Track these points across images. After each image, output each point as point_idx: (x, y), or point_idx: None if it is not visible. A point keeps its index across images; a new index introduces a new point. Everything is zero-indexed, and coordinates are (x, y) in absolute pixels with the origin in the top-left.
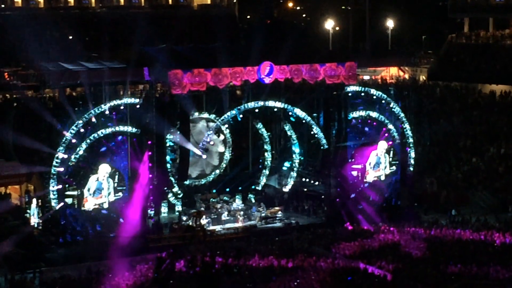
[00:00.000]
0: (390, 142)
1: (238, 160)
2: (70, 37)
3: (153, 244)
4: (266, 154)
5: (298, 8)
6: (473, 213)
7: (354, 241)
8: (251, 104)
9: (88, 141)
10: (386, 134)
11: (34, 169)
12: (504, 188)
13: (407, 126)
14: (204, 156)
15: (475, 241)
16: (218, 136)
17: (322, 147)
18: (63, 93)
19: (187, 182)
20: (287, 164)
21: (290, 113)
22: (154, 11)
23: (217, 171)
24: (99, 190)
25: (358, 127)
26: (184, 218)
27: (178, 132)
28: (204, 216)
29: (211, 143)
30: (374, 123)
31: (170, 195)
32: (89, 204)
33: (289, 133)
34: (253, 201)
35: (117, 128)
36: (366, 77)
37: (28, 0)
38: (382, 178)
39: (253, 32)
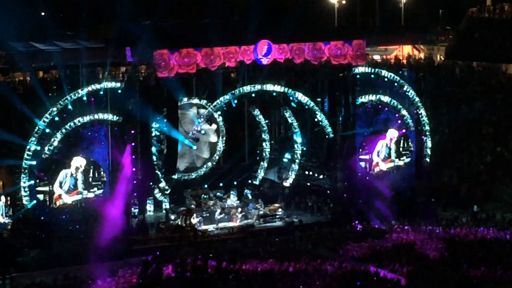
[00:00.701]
0: (404, 130)
1: (233, 152)
2: (43, 14)
3: (138, 246)
4: (264, 144)
5: None
6: (497, 209)
7: (364, 242)
8: (247, 88)
9: (64, 130)
10: (399, 121)
11: (2, 162)
12: None
13: (422, 111)
14: (195, 147)
15: (499, 241)
16: (210, 124)
17: (327, 136)
18: (35, 76)
19: (175, 177)
20: (287, 155)
21: (291, 98)
22: None
23: (209, 164)
24: (73, 186)
25: (368, 113)
26: (173, 216)
27: (165, 120)
28: (194, 215)
29: (202, 132)
30: (386, 109)
31: (156, 191)
32: (63, 201)
33: (290, 120)
34: (250, 197)
35: (96, 116)
36: (376, 57)
37: None
38: (394, 170)
39: (249, 6)
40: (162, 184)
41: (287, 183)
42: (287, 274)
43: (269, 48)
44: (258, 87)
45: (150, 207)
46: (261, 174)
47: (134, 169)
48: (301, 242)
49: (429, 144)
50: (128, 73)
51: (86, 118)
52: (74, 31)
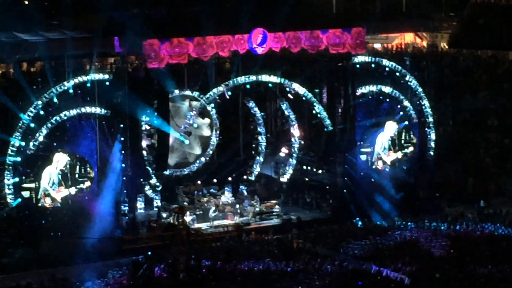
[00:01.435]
0: (406, 122)
1: (227, 146)
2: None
3: (128, 246)
4: (259, 138)
5: None
6: (505, 205)
7: (365, 240)
8: (241, 79)
9: (49, 125)
10: (401, 113)
11: None
12: None
13: (426, 102)
14: (187, 142)
15: (507, 238)
16: (203, 118)
17: (325, 129)
18: (18, 68)
19: (167, 173)
20: (284, 149)
21: (287, 89)
22: None
23: (202, 159)
24: (58, 182)
25: (368, 104)
26: (164, 214)
27: (155, 113)
28: (187, 212)
29: (195, 126)
30: (387, 100)
31: (147, 187)
32: (50, 199)
33: (286, 112)
34: (245, 193)
35: (83, 110)
36: (377, 45)
37: None
38: (396, 163)
39: None
40: (153, 181)
41: (284, 179)
42: (285, 274)
43: (264, 37)
44: (253, 78)
45: (140, 204)
46: (256, 169)
47: (123, 165)
48: (300, 241)
49: (432, 136)
50: (116, 64)
51: (73, 112)
52: (59, 21)
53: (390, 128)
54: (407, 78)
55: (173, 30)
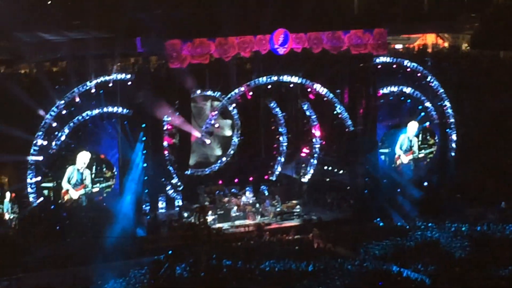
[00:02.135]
0: (428, 123)
1: (248, 146)
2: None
3: (149, 245)
4: (281, 138)
5: None
6: None
7: (386, 240)
8: (262, 80)
9: (72, 124)
10: (423, 113)
11: (8, 158)
12: None
13: (447, 103)
14: (208, 142)
15: None
16: (224, 118)
17: (347, 129)
18: (41, 68)
19: (188, 172)
20: (305, 149)
21: (309, 90)
22: None
23: (224, 159)
24: (80, 180)
25: (390, 105)
26: (186, 214)
27: (177, 113)
28: (209, 212)
29: (216, 126)
30: (409, 101)
31: (168, 187)
32: (70, 196)
33: (307, 113)
34: (267, 193)
35: (105, 109)
36: (399, 46)
37: None
38: (417, 164)
39: None
40: (175, 180)
41: (305, 179)
42: (305, 274)
43: (285, 37)
44: (274, 78)
45: (162, 204)
46: (278, 169)
47: (145, 165)
48: (320, 241)
49: (454, 137)
50: (138, 64)
51: (95, 112)
52: (82, 21)
53: (412, 128)
54: (428, 79)
55: (195, 31)
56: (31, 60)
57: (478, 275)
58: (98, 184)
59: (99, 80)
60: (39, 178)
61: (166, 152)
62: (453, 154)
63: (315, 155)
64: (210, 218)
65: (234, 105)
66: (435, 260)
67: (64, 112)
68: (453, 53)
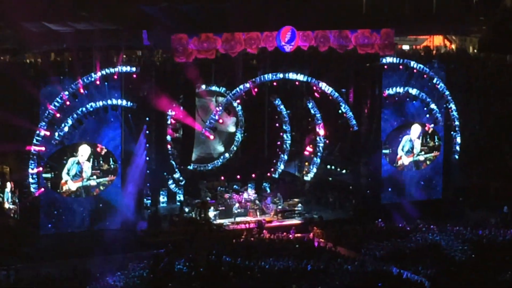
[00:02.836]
0: (432, 125)
1: (252, 143)
2: None
3: (149, 239)
4: (284, 136)
5: None
6: None
7: (387, 241)
8: (268, 76)
9: (75, 115)
10: (428, 115)
11: (10, 147)
12: None
13: (453, 106)
14: (212, 137)
15: None
16: (229, 113)
17: (351, 129)
18: (46, 58)
19: (190, 167)
20: (309, 148)
21: (314, 88)
22: None
23: (227, 155)
24: (79, 173)
25: (395, 106)
26: (187, 209)
27: (181, 108)
28: (210, 208)
29: (220, 121)
30: (414, 102)
31: (170, 182)
32: (68, 187)
33: (312, 111)
34: (269, 191)
35: (109, 102)
36: (405, 47)
37: None
38: (420, 166)
39: None
40: (177, 175)
41: (308, 178)
42: (305, 272)
43: (292, 34)
44: (280, 75)
45: (163, 198)
46: (281, 167)
47: (147, 158)
48: (321, 240)
49: (458, 140)
50: (144, 57)
51: (99, 104)
52: (89, 12)
53: (416, 130)
54: (434, 81)
55: (201, 25)
56: (36, 49)
57: (478, 279)
58: (99, 177)
59: (104, 72)
60: (40, 169)
61: (169, 146)
62: (457, 157)
63: (319, 153)
64: (211, 213)
65: (238, 101)
66: (436, 263)
67: (68, 103)
68: (460, 55)
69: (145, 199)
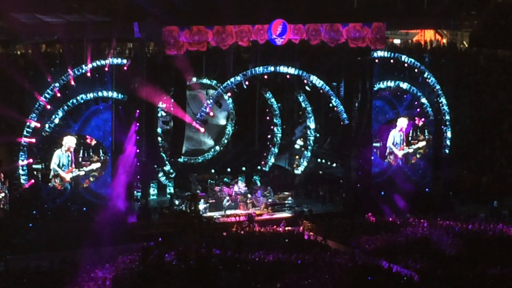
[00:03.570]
0: (423, 119)
1: (242, 136)
2: None
3: (139, 231)
4: (275, 129)
5: None
6: None
7: (377, 235)
8: (259, 69)
9: (66, 107)
10: (418, 109)
11: (0, 139)
12: None
13: (443, 100)
14: (203, 130)
15: None
16: (219, 106)
17: (342, 123)
18: (37, 50)
19: (181, 160)
20: (300, 141)
21: (305, 81)
22: None
23: (217, 148)
24: (68, 164)
25: (386, 99)
26: (177, 202)
27: (172, 100)
28: (200, 200)
29: (211, 114)
30: (405, 96)
31: (160, 174)
32: (60, 179)
33: (303, 104)
34: (259, 184)
35: (99, 94)
36: (397, 41)
37: None
38: (410, 160)
39: None
40: (167, 167)
41: (298, 171)
42: (295, 266)
43: (284, 28)
44: (271, 68)
45: (153, 191)
46: (271, 160)
47: (138, 151)
48: (311, 233)
49: (449, 134)
50: (135, 49)
51: (90, 96)
52: (80, 4)
53: (402, 123)
54: (425, 75)
55: (193, 18)
56: (27, 41)
57: (467, 273)
58: (88, 168)
59: (95, 64)
60: (31, 160)
61: (159, 139)
62: (447, 151)
63: (309, 147)
64: (201, 206)
65: (229, 94)
66: (425, 257)
67: (58, 94)
68: (451, 50)
69: (135, 192)
